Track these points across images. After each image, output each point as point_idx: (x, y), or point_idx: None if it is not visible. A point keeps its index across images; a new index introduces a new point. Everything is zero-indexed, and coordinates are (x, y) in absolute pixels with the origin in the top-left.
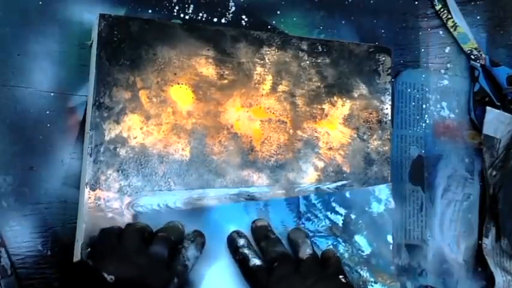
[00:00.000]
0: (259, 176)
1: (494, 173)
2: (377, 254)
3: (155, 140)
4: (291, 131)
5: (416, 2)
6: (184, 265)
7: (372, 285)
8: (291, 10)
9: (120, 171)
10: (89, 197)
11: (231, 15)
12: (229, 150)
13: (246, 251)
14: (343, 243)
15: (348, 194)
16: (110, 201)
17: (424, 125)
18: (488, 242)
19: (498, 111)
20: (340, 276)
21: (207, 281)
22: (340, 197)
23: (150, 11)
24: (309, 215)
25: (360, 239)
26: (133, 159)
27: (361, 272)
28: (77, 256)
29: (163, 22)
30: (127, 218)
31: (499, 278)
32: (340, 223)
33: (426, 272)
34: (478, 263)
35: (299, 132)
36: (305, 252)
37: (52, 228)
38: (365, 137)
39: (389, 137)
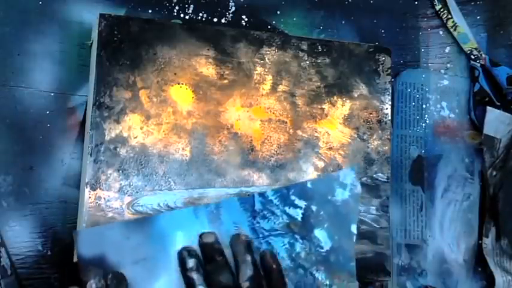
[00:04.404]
0: (260, 176)
1: (494, 173)
2: (337, 248)
3: (155, 140)
4: (291, 131)
5: (416, 2)
6: None
7: None
8: (291, 10)
9: (120, 171)
10: (89, 197)
11: (231, 15)
12: (229, 150)
13: (194, 275)
14: (300, 241)
15: (309, 184)
16: (110, 200)
17: (424, 125)
18: (488, 242)
19: (498, 111)
20: None
21: None
22: (300, 188)
23: (150, 11)
24: (264, 212)
25: (319, 234)
26: (134, 158)
27: (316, 274)
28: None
29: (163, 22)
30: (127, 217)
31: (499, 278)
32: (299, 217)
33: (426, 272)
34: (478, 263)
35: (299, 132)
36: (245, 276)
37: (52, 228)
38: (365, 137)
39: (389, 137)
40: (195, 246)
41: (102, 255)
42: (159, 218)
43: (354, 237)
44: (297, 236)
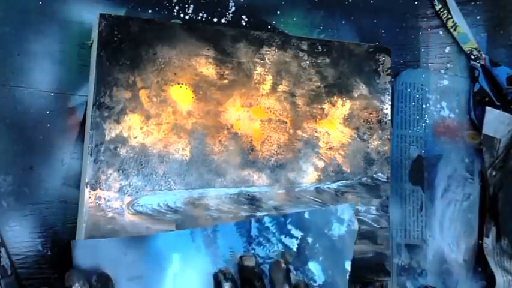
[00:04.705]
0: (260, 176)
1: (494, 173)
2: (330, 284)
3: (155, 140)
4: (291, 131)
5: (416, 2)
6: None
7: None
8: (291, 10)
9: (120, 171)
10: (89, 197)
11: (231, 15)
12: (229, 150)
13: None
14: (294, 271)
15: (306, 215)
16: (110, 200)
17: (424, 125)
18: (488, 242)
19: (498, 111)
20: None
21: None
22: (297, 218)
23: (150, 11)
24: (260, 239)
25: (313, 266)
26: (134, 158)
27: None
28: None
29: (163, 22)
30: (127, 217)
31: (499, 277)
32: (295, 248)
33: (426, 272)
34: (478, 263)
35: (299, 132)
36: None
37: (52, 228)
38: (365, 137)
39: (389, 137)
40: (231, 269)
41: (98, 268)
42: (156, 237)
43: (348, 275)
44: (291, 267)
